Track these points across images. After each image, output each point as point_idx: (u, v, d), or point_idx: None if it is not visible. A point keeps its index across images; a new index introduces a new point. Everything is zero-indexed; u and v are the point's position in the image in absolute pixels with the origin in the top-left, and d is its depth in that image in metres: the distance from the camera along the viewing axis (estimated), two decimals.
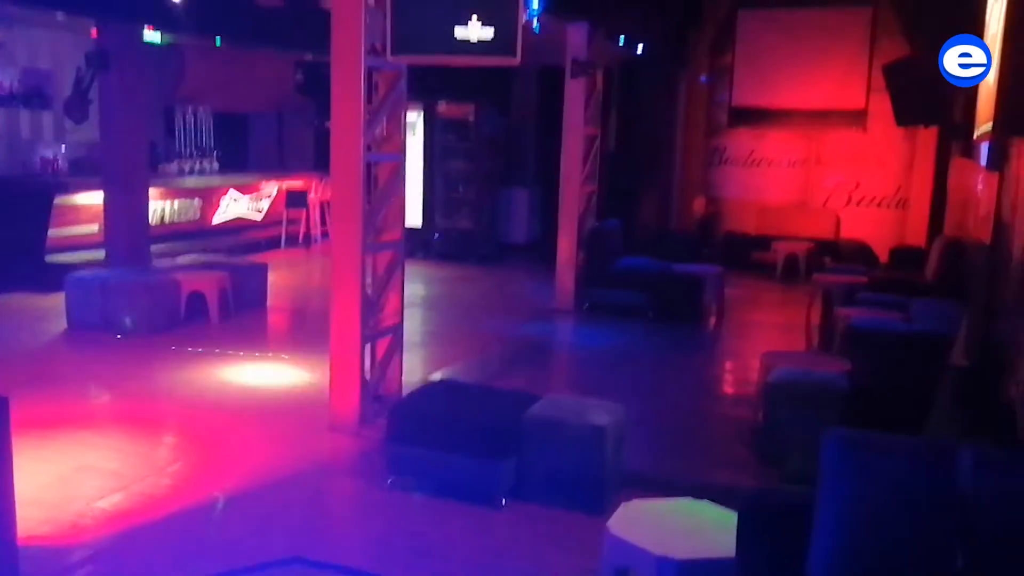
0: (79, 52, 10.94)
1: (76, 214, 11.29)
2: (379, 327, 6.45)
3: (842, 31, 13.98)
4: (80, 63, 10.57)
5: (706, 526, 3.82)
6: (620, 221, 12.47)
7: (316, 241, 14.65)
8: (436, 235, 14.19)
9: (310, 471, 5.61)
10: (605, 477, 5.11)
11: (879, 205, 14.22)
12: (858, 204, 14.32)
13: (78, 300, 8.91)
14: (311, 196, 14.61)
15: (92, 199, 11.06)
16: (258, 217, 14.35)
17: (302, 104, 15.00)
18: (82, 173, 12.10)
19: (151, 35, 11.44)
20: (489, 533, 4.87)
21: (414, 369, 7.65)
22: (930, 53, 6.04)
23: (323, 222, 14.56)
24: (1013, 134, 4.15)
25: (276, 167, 15.85)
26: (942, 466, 2.25)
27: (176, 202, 12.74)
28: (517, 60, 6.10)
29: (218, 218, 13.55)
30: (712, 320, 10.48)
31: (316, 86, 13.07)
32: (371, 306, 6.32)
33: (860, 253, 13.61)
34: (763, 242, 14.02)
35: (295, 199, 14.51)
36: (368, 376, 6.38)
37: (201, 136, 14.17)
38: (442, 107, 14.09)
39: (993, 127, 3.09)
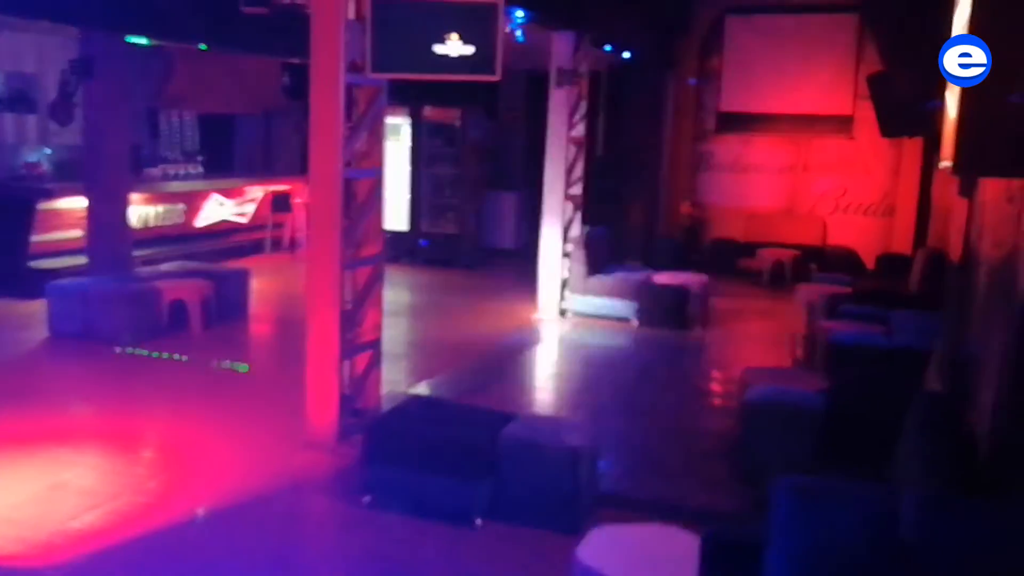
0: (64, 55, 10.89)
1: (59, 219, 11.24)
2: (357, 342, 6.44)
3: (829, 37, 14.02)
4: (65, 66, 10.53)
5: (674, 554, 3.83)
6: (606, 227, 12.49)
7: (301, 246, 14.60)
8: (422, 241, 14.17)
9: (286, 489, 5.61)
10: (579, 497, 5.12)
11: (865, 212, 14.27)
12: (845, 211, 14.37)
13: (59, 308, 8.87)
14: (296, 200, 14.57)
15: (75, 204, 11.01)
16: (243, 221, 14.31)
17: (289, 106, 14.96)
18: (67, 175, 12.06)
19: (136, 36, 11.39)
20: (464, 553, 4.88)
21: (395, 381, 7.65)
22: (907, 69, 6.09)
23: (309, 226, 14.50)
24: (971, 174, 4.17)
25: (262, 170, 15.79)
26: (887, 515, 2.27)
27: (160, 207, 12.70)
28: (497, 77, 6.12)
29: (202, 222, 13.51)
30: (697, 330, 10.49)
31: (303, 88, 13.00)
32: (350, 321, 6.31)
33: (846, 260, 13.66)
34: (750, 248, 14.05)
35: (280, 203, 14.48)
36: (346, 391, 6.37)
37: (186, 139, 14.12)
38: (428, 112, 14.07)
39: (953, 166, 3.10)
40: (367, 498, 5.32)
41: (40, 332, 8.95)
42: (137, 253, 11.27)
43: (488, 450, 5.15)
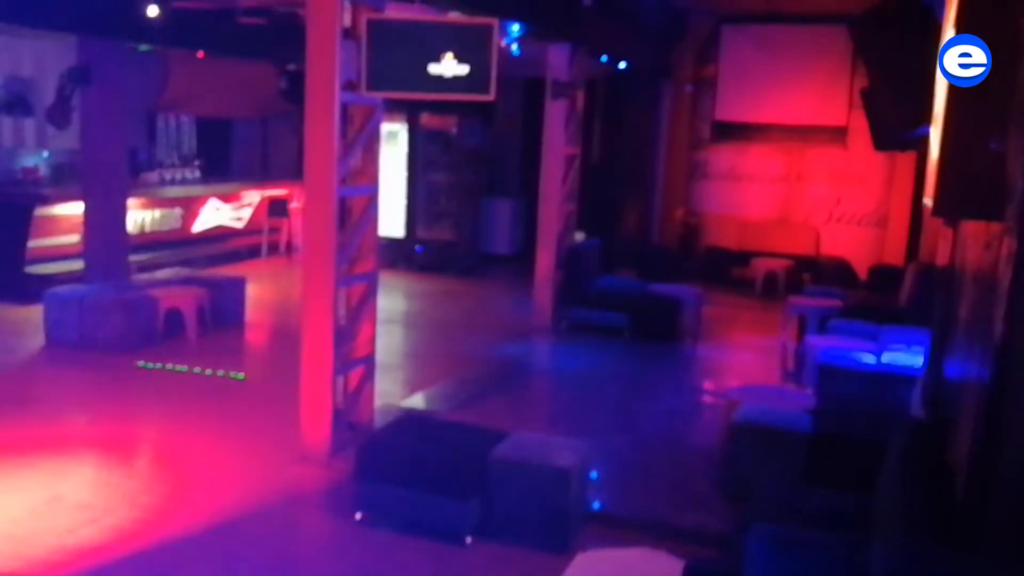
0: (62, 59, 10.96)
1: (56, 225, 11.29)
2: (351, 357, 6.51)
3: (824, 48, 14.07)
4: (63, 70, 10.58)
5: None
6: (600, 238, 12.59)
7: (297, 250, 14.67)
8: (417, 247, 14.25)
9: (280, 504, 5.68)
10: (569, 517, 5.20)
11: (859, 223, 14.35)
12: (838, 221, 14.45)
13: (56, 317, 8.93)
14: (293, 205, 14.63)
15: (72, 210, 11.06)
16: (239, 225, 14.38)
17: (286, 110, 15.01)
18: (64, 179, 12.12)
19: (134, 43, 11.45)
20: (454, 571, 4.96)
21: (389, 392, 7.73)
22: (895, 98, 6.17)
23: (304, 221, 14.57)
24: (950, 217, 4.25)
25: (259, 173, 15.86)
26: (855, 566, 2.34)
27: (157, 212, 12.77)
28: (491, 97, 6.19)
29: (199, 227, 13.57)
30: (689, 341, 10.57)
31: (300, 93, 13.03)
32: (343, 337, 6.38)
33: (839, 270, 13.74)
34: (743, 257, 14.13)
35: (277, 207, 14.54)
36: (340, 405, 6.44)
37: (183, 143, 14.18)
38: (425, 119, 14.14)
39: (934, 207, 3.18)
40: (359, 515, 5.39)
41: (37, 340, 9.01)
42: (134, 258, 11.34)
43: (478, 469, 5.23)
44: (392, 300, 11.34)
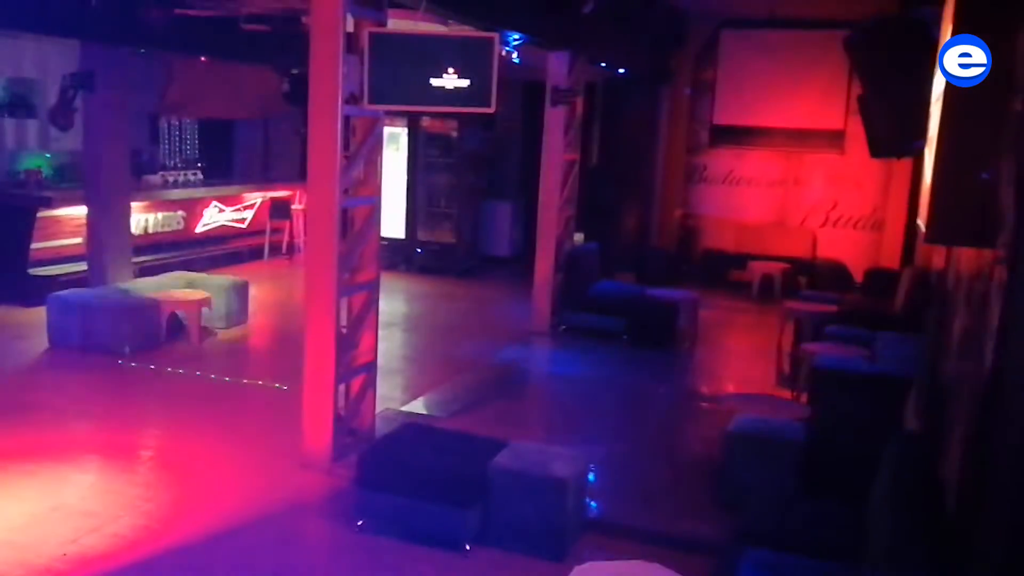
0: (65, 61, 11.01)
1: (59, 227, 11.37)
2: (353, 365, 6.59)
3: (822, 53, 14.08)
4: (66, 71, 10.64)
5: None
6: (599, 241, 12.66)
7: (299, 251, 14.75)
8: (418, 249, 14.32)
9: (281, 511, 5.75)
10: (566, 526, 5.28)
11: (855, 226, 14.43)
12: (835, 224, 14.53)
13: (59, 320, 9.01)
14: (294, 206, 14.70)
15: (75, 212, 11.13)
16: (242, 227, 14.45)
17: (288, 112, 15.07)
18: (67, 180, 12.18)
19: (138, 49, 11.52)
20: None
21: (390, 397, 7.82)
22: (889, 113, 6.24)
23: (306, 232, 14.67)
24: (942, 243, 4.33)
25: (261, 175, 15.92)
26: None
27: (160, 214, 12.84)
28: (492, 109, 6.28)
29: (201, 228, 13.64)
30: (686, 345, 10.65)
31: (302, 95, 13.11)
32: (345, 345, 6.46)
33: (836, 274, 13.85)
34: (741, 260, 14.21)
35: (279, 209, 14.61)
36: (342, 412, 6.53)
37: (186, 145, 14.24)
38: (426, 122, 14.21)
39: (926, 234, 3.25)
40: (360, 522, 5.48)
41: (40, 343, 9.08)
42: (136, 260, 11.41)
43: (478, 478, 5.31)
44: (392, 303, 11.41)
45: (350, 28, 6.13)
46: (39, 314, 9.39)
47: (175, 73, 13.21)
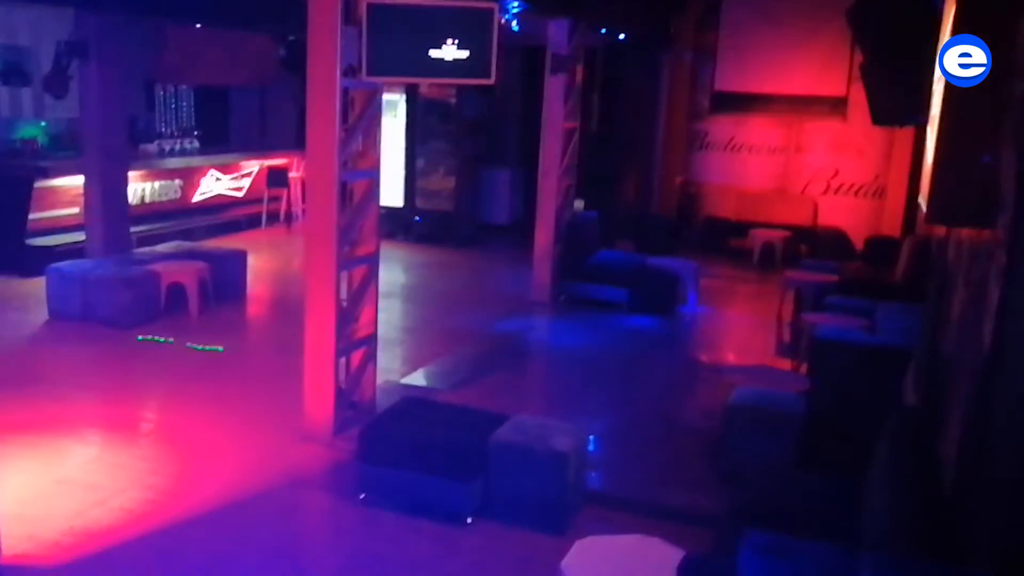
0: (59, 27, 10.91)
1: (56, 197, 11.33)
2: (353, 338, 6.61)
3: (825, 19, 13.96)
4: (60, 38, 10.54)
5: (655, 567, 4.02)
6: (599, 208, 12.63)
7: (297, 219, 14.72)
8: (416, 218, 14.29)
9: (283, 484, 5.79)
10: (567, 499, 5.32)
11: (856, 193, 14.38)
12: (836, 192, 14.48)
13: (59, 292, 9.01)
14: (292, 174, 14.65)
15: (73, 182, 11.09)
16: (239, 195, 14.40)
17: (285, 78, 14.97)
18: (63, 148, 12.12)
19: (133, 16, 11.40)
20: (456, 551, 5.09)
21: (390, 369, 7.84)
22: (891, 88, 6.19)
23: (304, 200, 14.62)
24: (942, 223, 4.32)
25: (258, 143, 15.84)
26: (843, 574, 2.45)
27: (157, 183, 12.80)
28: (491, 81, 6.22)
29: (198, 197, 13.61)
30: (687, 315, 10.66)
31: (299, 61, 13.04)
32: (346, 318, 6.47)
33: (836, 241, 13.84)
34: (741, 228, 14.20)
35: (276, 177, 14.55)
36: (343, 385, 6.55)
37: (182, 113, 14.15)
38: (424, 89, 14.09)
39: (927, 214, 3.25)
40: (362, 495, 5.52)
41: (40, 314, 9.09)
42: (134, 229, 11.38)
43: (479, 453, 5.35)
44: (391, 272, 11.40)
45: None
46: (38, 285, 9.39)
47: (170, 39, 13.08)
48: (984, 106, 2.99)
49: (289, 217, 14.77)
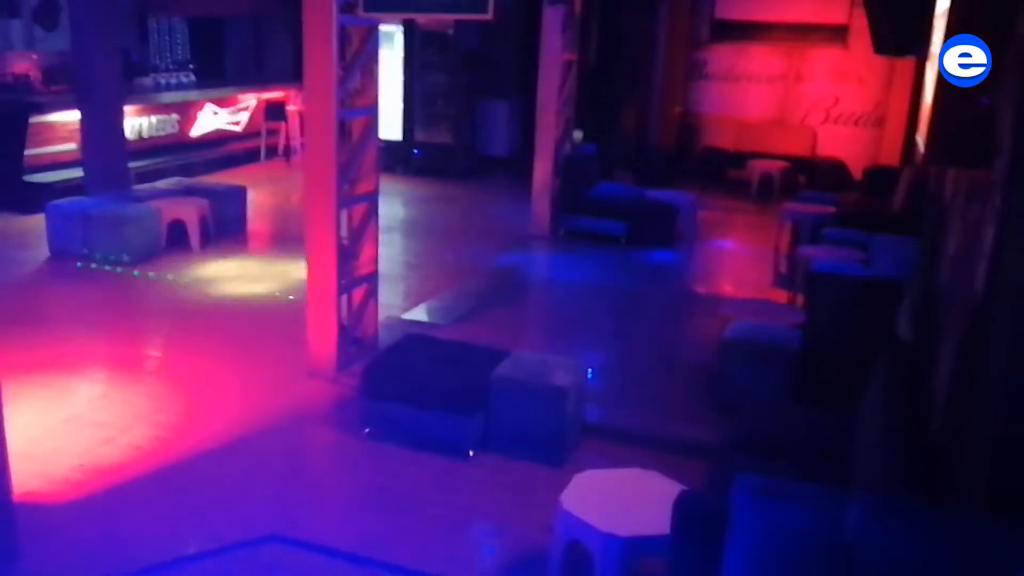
0: None
1: (52, 132, 11.27)
2: (354, 275, 6.66)
3: None
4: None
5: (652, 500, 4.14)
6: (597, 140, 12.57)
7: (296, 153, 14.66)
8: (415, 151, 14.22)
9: (289, 419, 5.90)
10: (566, 432, 5.44)
11: (856, 123, 14.31)
12: (835, 122, 14.40)
13: (59, 230, 9.04)
14: (290, 108, 14.53)
15: (69, 117, 11.01)
16: (237, 129, 14.31)
17: (279, 9, 14.74)
18: (56, 83, 12.01)
19: None
20: (458, 482, 5.22)
21: (391, 304, 7.91)
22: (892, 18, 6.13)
23: (303, 133, 14.53)
24: (941, 165, 4.33)
25: (254, 76, 15.67)
26: (833, 517, 2.54)
27: (154, 118, 12.71)
28: (490, 16, 6.14)
29: (196, 132, 13.53)
30: (686, 248, 10.71)
31: None
32: (347, 256, 6.52)
33: (835, 172, 13.80)
34: (740, 159, 14.16)
35: (274, 111, 14.44)
36: (345, 322, 6.63)
37: (176, 46, 13.98)
38: (421, 19, 13.88)
39: (924, 155, 3.27)
40: (367, 430, 5.64)
41: (41, 252, 9.14)
42: (133, 165, 11.34)
43: (480, 388, 5.45)
44: (391, 207, 11.41)
45: None
46: (38, 222, 9.41)
47: None
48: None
49: (288, 151, 14.70)
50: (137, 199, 9.59)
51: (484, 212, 12.37)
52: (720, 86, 14.98)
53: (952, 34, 3.16)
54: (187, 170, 12.24)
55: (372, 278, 6.84)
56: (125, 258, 8.82)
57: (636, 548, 3.86)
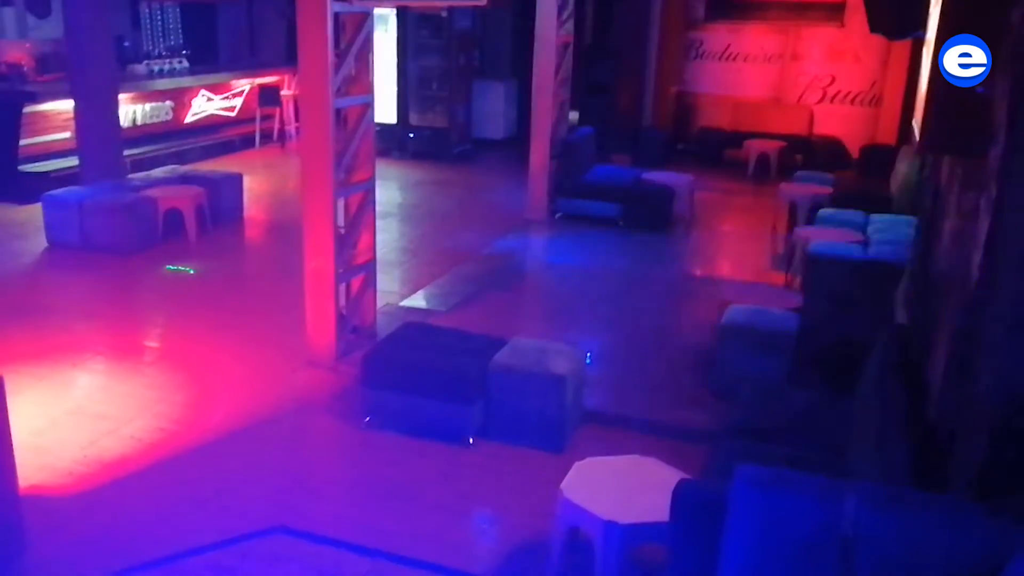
0: None
1: (47, 121, 11.23)
2: (352, 264, 6.67)
3: None
4: None
5: (652, 488, 4.17)
6: (594, 121, 12.53)
7: (291, 138, 14.62)
8: (410, 134, 14.18)
9: (290, 409, 5.93)
10: (565, 419, 5.47)
11: (853, 101, 14.28)
12: (832, 100, 14.38)
13: (56, 219, 9.03)
14: (284, 92, 14.48)
15: (62, 106, 10.97)
16: (231, 115, 14.27)
17: None
18: (50, 71, 11.95)
19: None
20: (458, 470, 5.25)
21: (389, 291, 7.93)
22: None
23: (297, 118, 14.49)
24: (935, 152, 4.33)
25: (248, 61, 15.60)
26: (830, 506, 2.57)
27: (148, 105, 12.66)
28: (484, 2, 6.14)
29: (191, 118, 13.48)
30: (682, 230, 10.72)
31: None
32: (344, 245, 6.52)
33: (832, 151, 13.78)
34: (736, 139, 14.14)
35: (268, 96, 14.39)
36: (343, 311, 6.64)
37: (169, 33, 13.91)
38: (415, 5, 13.81)
39: (919, 143, 3.28)
40: (366, 419, 5.67)
41: (38, 242, 9.13)
42: (128, 152, 11.32)
43: (480, 376, 5.47)
44: (387, 191, 11.39)
45: None
46: (34, 212, 9.40)
47: None
48: (980, 34, 2.99)
49: (283, 136, 14.66)
50: (133, 188, 9.57)
51: (480, 195, 12.36)
52: (716, 65, 14.94)
53: (947, 23, 3.16)
54: (182, 157, 12.21)
55: (370, 266, 6.85)
56: (122, 248, 8.80)
57: (636, 535, 3.90)
